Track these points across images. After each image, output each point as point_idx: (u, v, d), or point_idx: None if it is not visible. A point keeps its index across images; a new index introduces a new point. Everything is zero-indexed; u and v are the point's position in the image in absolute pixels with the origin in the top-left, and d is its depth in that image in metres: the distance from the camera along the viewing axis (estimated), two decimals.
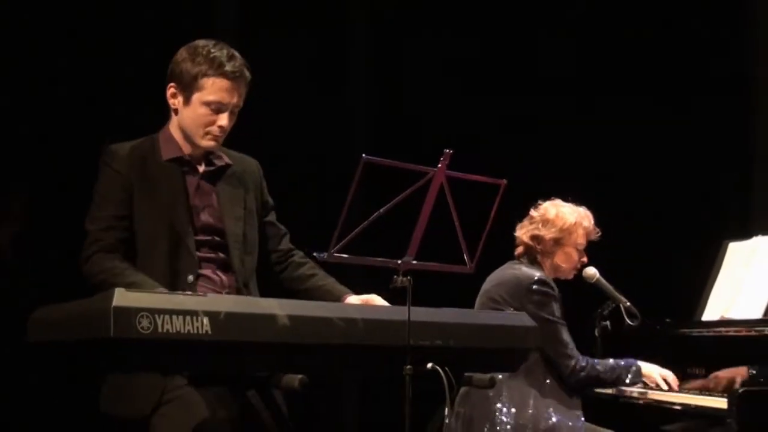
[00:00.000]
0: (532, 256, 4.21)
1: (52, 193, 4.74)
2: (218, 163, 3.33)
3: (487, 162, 3.39)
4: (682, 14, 5.95)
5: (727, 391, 3.69)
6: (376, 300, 3.19)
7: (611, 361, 4.11)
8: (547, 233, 4.18)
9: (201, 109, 3.20)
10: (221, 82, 3.19)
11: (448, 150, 2.86)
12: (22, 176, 4.80)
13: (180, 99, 3.23)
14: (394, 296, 2.92)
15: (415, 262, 2.89)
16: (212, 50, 3.19)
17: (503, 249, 4.25)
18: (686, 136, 5.91)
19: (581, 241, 4.21)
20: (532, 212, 4.26)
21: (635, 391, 4.12)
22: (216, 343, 2.52)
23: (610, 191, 5.70)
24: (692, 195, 5.84)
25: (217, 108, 3.20)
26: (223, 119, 3.21)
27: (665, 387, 4.04)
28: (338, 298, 3.29)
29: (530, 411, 3.96)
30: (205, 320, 2.50)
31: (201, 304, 2.53)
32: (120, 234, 3.16)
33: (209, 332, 2.51)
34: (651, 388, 4.09)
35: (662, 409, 4.01)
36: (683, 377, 4.09)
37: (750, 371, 3.72)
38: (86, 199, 4.69)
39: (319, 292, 3.36)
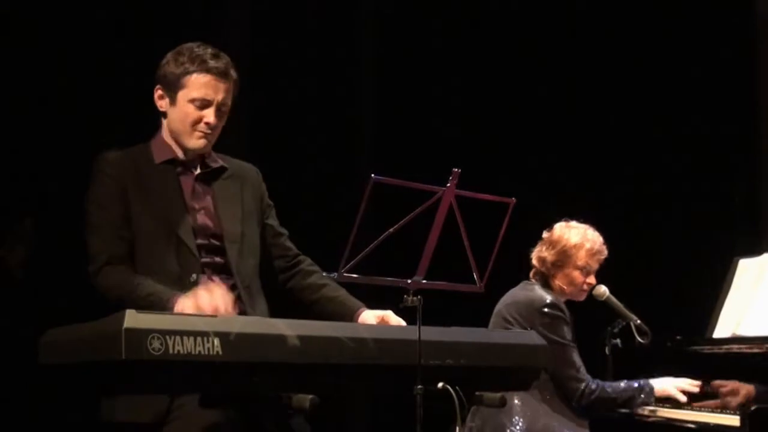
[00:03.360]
0: (543, 278, 4.21)
1: (61, 215, 4.76)
2: (213, 165, 3.31)
3: (498, 180, 3.40)
4: (693, 35, 5.96)
5: (740, 408, 3.68)
6: (392, 317, 3.17)
7: (623, 383, 4.08)
8: (549, 255, 4.19)
9: (187, 107, 3.20)
10: (204, 78, 3.18)
11: (457, 169, 2.86)
12: (31, 198, 4.82)
13: (166, 100, 3.24)
14: (404, 316, 2.92)
15: (425, 281, 2.88)
16: (195, 49, 3.21)
17: (514, 268, 4.25)
18: (697, 153, 5.91)
19: (582, 263, 4.19)
20: (544, 234, 4.27)
21: (646, 409, 4.10)
22: (226, 364, 2.52)
23: (620, 209, 5.70)
24: (702, 212, 5.83)
25: (202, 104, 3.19)
26: (210, 115, 3.20)
27: (683, 399, 4.00)
28: (352, 312, 3.26)
29: (540, 425, 3.96)
30: (216, 341, 2.50)
31: (211, 325, 2.53)
32: (124, 243, 3.13)
33: (220, 353, 2.50)
34: (665, 406, 4.06)
35: (673, 427, 3.99)
36: (694, 394, 4.07)
37: (762, 388, 3.71)
38: None
39: (332, 304, 3.32)
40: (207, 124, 3.21)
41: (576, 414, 4.04)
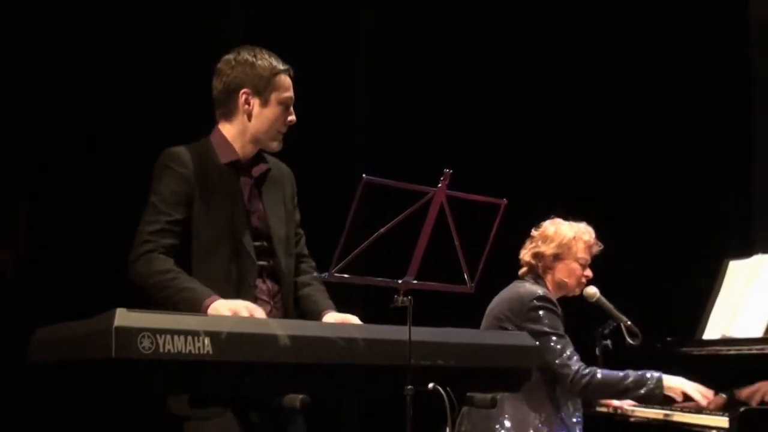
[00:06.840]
0: (535, 274, 4.23)
1: (54, 213, 4.75)
2: (263, 167, 3.34)
3: (488, 181, 3.41)
4: (684, 43, 5.97)
5: (728, 409, 3.69)
6: (352, 320, 3.18)
7: (620, 372, 4.03)
8: (547, 249, 4.20)
9: (278, 109, 3.25)
10: (288, 79, 3.28)
11: (448, 169, 2.87)
12: (24, 196, 4.81)
13: (255, 102, 3.24)
14: (395, 316, 2.92)
15: (415, 281, 2.89)
16: (265, 53, 3.27)
17: (505, 269, 4.25)
18: (688, 156, 5.93)
19: (582, 255, 4.22)
20: (533, 232, 4.30)
21: (633, 409, 4.12)
22: (217, 364, 2.53)
23: (611, 210, 5.71)
24: (693, 214, 5.84)
25: (289, 104, 3.27)
26: (293, 115, 3.28)
27: (703, 402, 3.91)
28: (319, 311, 3.27)
29: (530, 430, 3.96)
30: (207, 340, 2.50)
31: (202, 324, 2.53)
32: (174, 239, 3.10)
33: (210, 352, 2.51)
34: (648, 406, 4.07)
35: (661, 428, 4.00)
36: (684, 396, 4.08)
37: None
38: (90, 219, 4.74)
39: (307, 302, 3.34)
40: (290, 123, 3.28)
41: (568, 418, 4.04)
